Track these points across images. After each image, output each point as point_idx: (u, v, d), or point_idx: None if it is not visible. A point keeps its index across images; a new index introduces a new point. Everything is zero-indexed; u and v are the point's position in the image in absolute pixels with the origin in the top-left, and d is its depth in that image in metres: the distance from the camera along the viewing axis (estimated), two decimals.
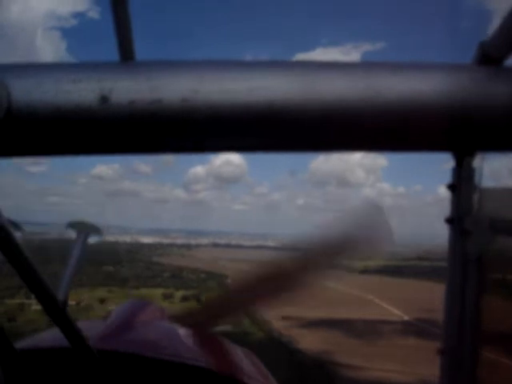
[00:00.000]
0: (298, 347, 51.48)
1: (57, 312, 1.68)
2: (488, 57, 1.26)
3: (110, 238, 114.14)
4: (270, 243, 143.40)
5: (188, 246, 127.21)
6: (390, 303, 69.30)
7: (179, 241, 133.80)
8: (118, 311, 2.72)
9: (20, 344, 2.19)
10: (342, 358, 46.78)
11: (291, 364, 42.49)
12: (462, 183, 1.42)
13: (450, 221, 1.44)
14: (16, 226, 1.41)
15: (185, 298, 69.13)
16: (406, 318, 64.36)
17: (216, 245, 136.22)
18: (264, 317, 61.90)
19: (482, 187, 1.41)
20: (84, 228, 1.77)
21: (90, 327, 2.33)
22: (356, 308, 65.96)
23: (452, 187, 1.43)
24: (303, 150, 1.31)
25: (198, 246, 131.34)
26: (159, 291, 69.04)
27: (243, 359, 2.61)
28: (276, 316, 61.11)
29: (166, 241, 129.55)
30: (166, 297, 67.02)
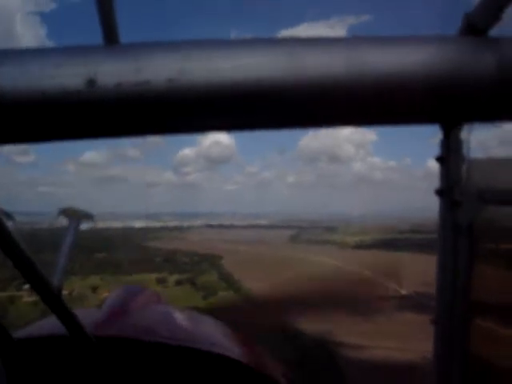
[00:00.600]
0: (296, 327, 51.62)
1: (52, 298, 1.69)
2: (473, 27, 1.26)
3: (101, 225, 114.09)
4: (263, 222, 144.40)
5: (180, 229, 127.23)
6: (386, 278, 69.66)
7: (171, 224, 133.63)
8: (113, 297, 2.74)
9: (17, 333, 2.26)
10: (342, 337, 46.96)
11: (290, 346, 42.71)
12: (450, 155, 1.43)
13: (439, 192, 1.46)
14: (7, 215, 1.45)
15: (179, 282, 69.26)
16: (403, 292, 64.74)
17: (209, 226, 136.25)
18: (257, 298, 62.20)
19: (470, 158, 1.44)
20: (75, 215, 1.81)
21: (86, 315, 2.35)
22: (353, 285, 66.12)
23: (441, 159, 1.45)
24: (291, 127, 1.32)
25: (190, 228, 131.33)
26: (153, 276, 68.95)
27: (239, 340, 2.66)
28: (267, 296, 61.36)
29: (157, 224, 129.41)
30: (160, 281, 66.91)
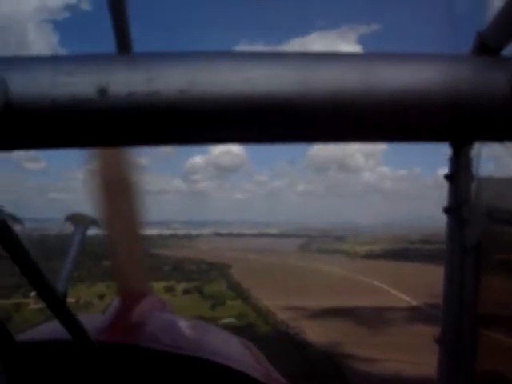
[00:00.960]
0: (305, 339, 50.94)
1: (57, 304, 1.69)
2: (486, 46, 1.28)
3: None
4: (272, 231, 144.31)
5: (189, 237, 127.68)
6: (397, 289, 68.98)
7: (180, 232, 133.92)
8: (117, 303, 2.72)
9: (21, 336, 2.22)
10: (352, 349, 46.25)
11: (299, 358, 42.11)
12: (459, 172, 1.45)
13: (447, 210, 1.47)
14: (15, 219, 1.46)
15: (187, 291, 69.11)
16: (414, 303, 63.99)
17: (217, 234, 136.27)
18: (268, 307, 61.78)
19: (480, 176, 1.44)
20: (82, 220, 1.81)
21: (90, 320, 2.36)
22: (363, 295, 65.42)
23: (449, 176, 1.46)
24: (301, 141, 1.35)
25: (199, 236, 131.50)
26: (161, 284, 68.80)
27: (242, 350, 2.65)
28: (280, 306, 60.89)
29: (166, 232, 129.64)
30: (168, 290, 66.81)
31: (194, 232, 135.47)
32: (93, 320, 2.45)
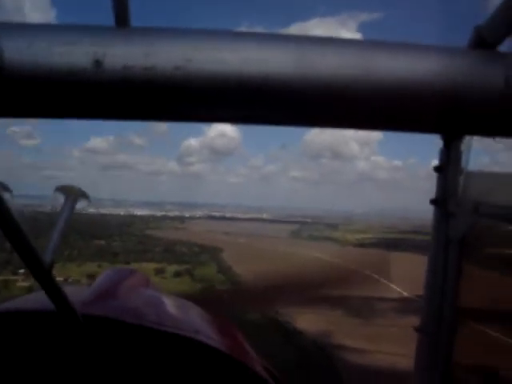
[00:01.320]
0: (295, 328, 50.45)
1: (43, 274, 1.67)
2: (483, 41, 1.27)
3: (103, 211, 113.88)
4: (265, 216, 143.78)
5: (181, 219, 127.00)
6: (388, 279, 68.45)
7: (173, 213, 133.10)
8: (103, 277, 2.73)
9: (3, 306, 2.29)
10: (343, 339, 45.73)
11: (290, 347, 41.57)
12: (448, 165, 1.45)
13: (434, 202, 1.49)
14: (4, 187, 1.45)
15: (177, 274, 68.67)
16: (405, 294, 63.55)
17: (210, 217, 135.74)
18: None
19: (468, 170, 1.46)
20: (72, 192, 1.79)
21: (75, 292, 2.38)
22: (353, 284, 64.90)
23: (439, 168, 1.47)
24: (294, 124, 1.34)
25: (191, 218, 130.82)
26: (151, 266, 68.28)
27: (224, 329, 2.67)
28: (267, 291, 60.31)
29: (159, 213, 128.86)
30: (158, 272, 66.34)
31: (187, 214, 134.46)
32: (78, 292, 2.43)
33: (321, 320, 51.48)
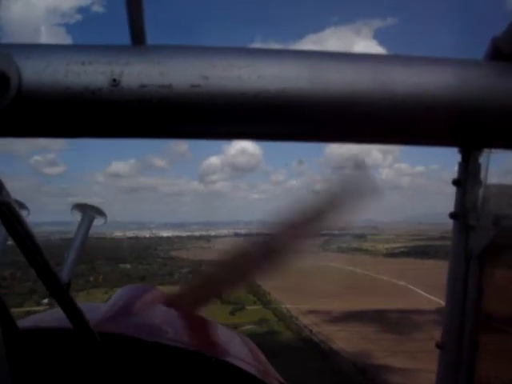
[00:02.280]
0: (332, 347, 46.89)
1: (60, 293, 1.68)
2: (500, 52, 1.25)
3: (129, 234, 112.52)
4: None
5: (207, 238, 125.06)
6: (425, 289, 64.72)
7: (198, 233, 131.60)
8: (118, 294, 2.73)
9: (23, 323, 2.26)
10: (383, 358, 42.05)
11: (328, 371, 38.24)
12: (467, 178, 1.43)
13: (454, 215, 1.45)
14: (21, 204, 1.50)
15: None
16: (443, 303, 59.72)
17: (236, 235, 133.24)
18: (290, 312, 58.12)
19: (488, 183, 1.43)
20: (88, 210, 1.80)
21: (92, 310, 2.39)
22: (389, 296, 61.16)
23: (457, 182, 1.45)
24: (312, 140, 1.35)
25: (217, 237, 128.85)
26: (177, 289, 65.32)
27: (241, 346, 2.68)
28: (303, 310, 57.16)
29: (184, 234, 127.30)
30: None
31: (212, 233, 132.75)
32: (95, 309, 2.43)
33: (358, 337, 48.12)
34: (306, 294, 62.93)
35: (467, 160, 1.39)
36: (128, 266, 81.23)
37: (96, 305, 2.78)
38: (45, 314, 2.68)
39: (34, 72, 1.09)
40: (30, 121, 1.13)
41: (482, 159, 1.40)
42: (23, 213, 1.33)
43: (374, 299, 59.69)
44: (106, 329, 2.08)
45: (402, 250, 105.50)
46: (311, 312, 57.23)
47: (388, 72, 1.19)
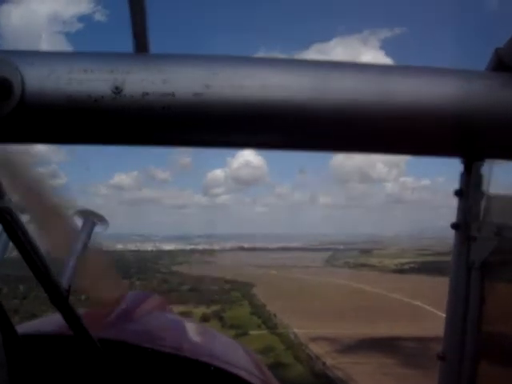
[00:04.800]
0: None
1: (60, 299, 1.66)
2: (503, 63, 1.24)
3: (131, 247, 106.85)
4: (296, 244, 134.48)
5: (210, 252, 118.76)
6: (442, 309, 57.28)
7: (201, 246, 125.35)
8: (120, 301, 2.70)
9: (22, 328, 2.25)
10: None
11: None
12: (469, 189, 1.41)
13: (455, 226, 1.43)
14: (22, 209, 1.48)
15: (205, 318, 58.70)
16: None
17: (239, 248, 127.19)
18: (299, 338, 50.89)
19: (490, 194, 1.42)
20: (90, 216, 1.78)
21: (93, 315, 2.37)
22: (405, 319, 53.53)
23: (459, 192, 1.43)
24: (315, 149, 1.32)
25: (220, 250, 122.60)
26: (176, 309, 58.16)
27: (242, 355, 2.68)
28: (312, 336, 49.90)
29: (188, 247, 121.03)
30: (183, 316, 55.92)
31: (216, 246, 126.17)
32: (95, 316, 2.40)
33: (376, 372, 40.88)
34: (315, 315, 56.06)
35: (469, 170, 1.35)
36: (125, 281, 74.35)
37: (97, 311, 2.62)
38: (45, 319, 2.61)
39: (37, 79, 1.08)
40: (32, 127, 1.11)
41: (484, 170, 1.34)
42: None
43: (390, 322, 52.53)
44: (105, 335, 2.03)
45: (412, 265, 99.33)
46: (322, 338, 50.41)
47: (391, 82, 1.17)
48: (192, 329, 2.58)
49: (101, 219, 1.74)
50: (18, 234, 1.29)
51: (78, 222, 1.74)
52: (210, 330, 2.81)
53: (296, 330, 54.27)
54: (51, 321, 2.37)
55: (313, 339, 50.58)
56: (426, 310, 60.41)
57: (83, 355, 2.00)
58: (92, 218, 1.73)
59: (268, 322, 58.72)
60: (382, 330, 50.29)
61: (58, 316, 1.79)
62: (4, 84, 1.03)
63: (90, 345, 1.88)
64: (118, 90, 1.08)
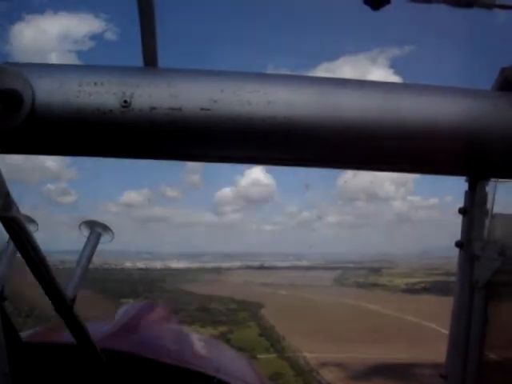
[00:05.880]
0: None
1: (65, 308, 1.65)
2: (509, 83, 1.23)
3: (140, 265, 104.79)
4: (305, 263, 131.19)
5: (218, 270, 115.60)
6: None
7: (210, 265, 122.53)
8: (125, 311, 2.67)
9: (27, 336, 2.23)
10: None
11: None
12: (474, 207, 1.40)
13: (459, 244, 1.42)
14: (29, 219, 1.49)
15: None
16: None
17: (248, 267, 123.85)
18: (309, 363, 47.66)
19: (494, 213, 1.40)
20: (95, 227, 1.77)
21: (97, 326, 2.39)
22: (420, 344, 50.03)
23: (464, 211, 1.42)
24: (321, 166, 1.31)
25: (229, 269, 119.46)
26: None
27: (245, 367, 2.64)
28: (324, 361, 46.63)
29: (196, 265, 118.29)
30: None
31: (225, 265, 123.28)
32: (100, 326, 2.37)
33: None
34: (325, 338, 52.82)
35: (474, 189, 1.35)
36: (130, 301, 71.57)
37: (101, 321, 2.58)
38: (50, 328, 2.50)
39: (47, 91, 1.08)
40: (42, 139, 1.11)
41: (488, 189, 1.34)
42: (32, 227, 1.30)
43: (405, 346, 49.05)
44: (109, 345, 2.01)
45: (422, 285, 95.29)
46: (334, 364, 47.04)
47: (397, 100, 1.16)
48: (197, 340, 2.54)
49: (107, 230, 1.69)
50: (25, 244, 1.29)
51: (85, 232, 1.69)
52: (215, 341, 2.81)
53: (306, 354, 51.04)
54: (55, 329, 2.28)
55: (323, 364, 47.44)
56: (443, 334, 56.72)
57: (87, 365, 1.93)
58: (98, 229, 1.69)
59: (277, 344, 55.68)
60: (397, 354, 46.98)
61: (62, 325, 1.74)
62: (15, 96, 1.03)
63: (93, 354, 1.84)
64: (126, 104, 1.07)
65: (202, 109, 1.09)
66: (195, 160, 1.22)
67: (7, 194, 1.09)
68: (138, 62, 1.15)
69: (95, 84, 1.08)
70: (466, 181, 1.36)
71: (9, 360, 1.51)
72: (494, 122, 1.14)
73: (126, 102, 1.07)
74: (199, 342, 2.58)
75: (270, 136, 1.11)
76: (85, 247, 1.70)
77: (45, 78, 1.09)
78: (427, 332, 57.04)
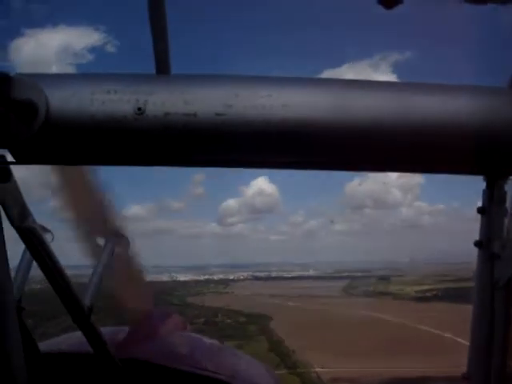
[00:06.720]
0: None
1: (82, 317, 1.66)
2: None
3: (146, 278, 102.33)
4: (312, 272, 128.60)
5: (225, 282, 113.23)
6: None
7: (217, 276, 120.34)
8: (141, 320, 2.63)
9: (45, 345, 2.20)
10: None
11: None
12: (492, 206, 1.37)
13: (478, 244, 1.40)
14: (45, 229, 1.46)
15: None
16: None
17: (255, 278, 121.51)
18: (322, 379, 45.11)
19: None
20: (112, 235, 1.79)
21: (114, 334, 2.36)
22: (437, 355, 47.31)
23: (482, 210, 1.39)
24: (336, 168, 1.30)
25: (236, 280, 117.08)
26: None
27: (262, 374, 2.60)
28: (336, 376, 44.05)
29: (203, 277, 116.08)
30: None
31: (232, 276, 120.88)
32: (117, 334, 2.36)
33: None
34: (336, 351, 50.22)
35: (492, 188, 1.31)
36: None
37: (119, 329, 2.55)
38: (67, 337, 2.50)
39: (61, 100, 1.08)
40: (57, 148, 1.11)
41: (507, 187, 1.31)
42: (47, 237, 1.32)
43: (420, 358, 46.44)
44: (127, 354, 2.03)
45: (434, 292, 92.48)
46: (346, 380, 44.61)
47: (411, 100, 1.14)
48: (213, 348, 2.47)
49: (122, 237, 1.67)
50: (41, 254, 1.32)
51: (100, 241, 1.66)
52: (230, 349, 2.73)
53: (317, 369, 48.50)
54: (73, 338, 2.27)
55: (336, 380, 44.95)
56: (460, 344, 54.25)
57: (104, 374, 1.94)
58: (114, 238, 1.67)
59: (287, 359, 53.10)
60: (412, 367, 44.34)
61: (79, 334, 1.76)
62: (30, 106, 1.02)
63: (110, 363, 1.85)
64: (140, 111, 1.07)
65: (216, 114, 1.08)
66: (211, 165, 1.20)
67: (23, 205, 1.10)
68: (139, 71, 1.13)
69: (108, 92, 1.08)
70: (484, 180, 1.30)
71: (27, 369, 1.47)
72: (509, 119, 1.12)
73: (139, 109, 1.06)
74: (216, 349, 2.55)
75: (286, 139, 1.10)
76: (101, 255, 1.65)
77: (58, 87, 1.09)
78: (443, 342, 54.38)
